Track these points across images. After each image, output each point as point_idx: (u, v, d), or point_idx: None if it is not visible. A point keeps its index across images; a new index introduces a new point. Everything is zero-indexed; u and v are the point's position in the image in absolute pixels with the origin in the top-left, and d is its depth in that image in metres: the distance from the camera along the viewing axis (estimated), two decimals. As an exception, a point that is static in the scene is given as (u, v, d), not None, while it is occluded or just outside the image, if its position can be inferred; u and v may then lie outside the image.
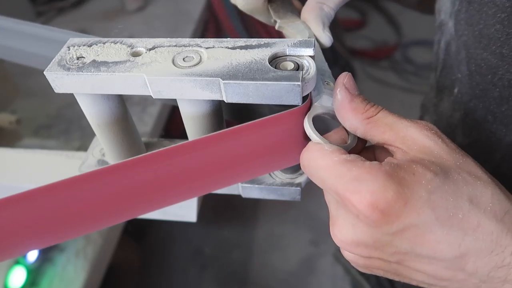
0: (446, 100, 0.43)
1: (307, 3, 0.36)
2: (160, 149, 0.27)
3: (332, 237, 0.27)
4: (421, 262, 0.25)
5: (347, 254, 0.28)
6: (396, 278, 0.27)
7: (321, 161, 0.27)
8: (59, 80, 0.29)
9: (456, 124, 0.42)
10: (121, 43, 0.30)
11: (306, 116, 0.29)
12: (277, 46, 0.28)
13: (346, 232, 0.26)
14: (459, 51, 0.39)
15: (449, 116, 0.43)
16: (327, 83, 0.31)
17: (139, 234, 1.43)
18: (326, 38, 0.34)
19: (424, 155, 0.25)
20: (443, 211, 0.23)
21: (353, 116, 0.28)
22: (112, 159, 0.37)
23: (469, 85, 0.39)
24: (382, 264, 0.26)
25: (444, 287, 0.26)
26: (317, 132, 0.28)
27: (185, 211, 0.40)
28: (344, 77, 0.29)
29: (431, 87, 0.48)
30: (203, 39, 0.30)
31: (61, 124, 0.93)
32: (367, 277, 0.62)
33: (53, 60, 0.30)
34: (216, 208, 1.60)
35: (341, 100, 0.28)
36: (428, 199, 0.23)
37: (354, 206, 0.24)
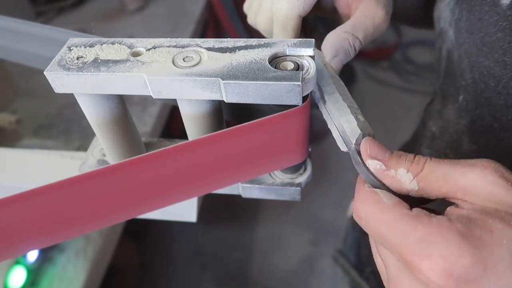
0: (451, 107, 0.43)
1: (334, 30, 0.33)
2: (160, 149, 0.27)
3: None
4: None
5: None
6: None
7: (380, 215, 0.24)
8: (59, 80, 0.29)
9: (463, 130, 0.41)
10: (121, 43, 0.30)
11: (367, 158, 0.26)
12: (277, 46, 0.28)
13: None
14: (461, 59, 0.39)
15: (456, 123, 0.42)
16: (355, 115, 0.28)
17: (139, 234, 1.43)
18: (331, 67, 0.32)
19: (496, 205, 0.22)
20: None
21: (397, 185, 0.25)
22: (112, 159, 0.37)
23: (474, 92, 0.38)
24: None
25: None
26: (373, 175, 0.26)
27: (185, 211, 0.40)
28: (366, 146, 0.26)
29: (435, 93, 0.48)
30: (203, 39, 0.30)
31: (61, 124, 0.93)
32: (366, 278, 0.62)
33: (53, 60, 0.30)
34: (216, 208, 1.60)
35: (377, 174, 0.25)
36: (511, 262, 0.20)
37: (422, 274, 0.21)
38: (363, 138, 0.27)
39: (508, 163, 0.37)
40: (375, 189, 0.25)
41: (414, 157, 0.25)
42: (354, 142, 0.27)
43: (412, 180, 0.24)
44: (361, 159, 0.26)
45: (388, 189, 0.25)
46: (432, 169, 0.24)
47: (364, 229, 0.25)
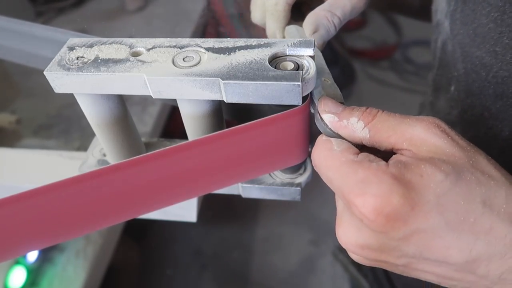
0: (443, 98, 0.44)
1: (314, 9, 0.36)
2: (160, 149, 0.27)
3: (337, 238, 0.27)
4: (429, 265, 0.24)
5: (352, 255, 0.27)
6: (404, 274, 0.27)
7: (329, 161, 0.26)
8: (59, 80, 0.29)
9: (454, 121, 0.42)
10: (121, 43, 0.30)
11: (323, 113, 0.28)
12: (277, 46, 0.28)
13: (351, 235, 0.25)
14: (455, 50, 0.40)
15: (447, 113, 0.43)
16: (324, 80, 0.31)
17: (139, 234, 1.43)
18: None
19: (435, 154, 0.24)
20: (453, 215, 0.22)
21: (350, 133, 0.27)
22: (112, 159, 0.37)
23: (465, 82, 0.39)
24: (389, 266, 0.26)
25: (453, 286, 0.25)
26: (329, 128, 0.28)
27: (185, 211, 0.40)
28: (321, 103, 0.28)
29: (428, 85, 0.48)
30: (203, 39, 0.30)
31: (61, 124, 0.93)
32: (365, 274, 0.62)
33: (53, 60, 0.30)
34: (216, 208, 1.60)
35: (331, 125, 0.28)
36: (437, 203, 0.22)
37: (358, 210, 0.23)
38: None
39: (496, 150, 0.38)
40: (329, 138, 0.28)
41: (366, 108, 0.27)
42: (316, 102, 0.29)
43: (364, 128, 0.26)
44: (320, 115, 0.28)
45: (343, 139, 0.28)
46: (383, 119, 0.26)
47: (319, 175, 0.28)
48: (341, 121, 0.27)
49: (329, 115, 0.28)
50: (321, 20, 0.35)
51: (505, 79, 0.35)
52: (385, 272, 0.53)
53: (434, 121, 0.26)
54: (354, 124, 0.27)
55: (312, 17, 0.35)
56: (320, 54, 0.34)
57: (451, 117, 0.42)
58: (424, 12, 0.51)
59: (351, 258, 0.28)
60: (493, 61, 0.35)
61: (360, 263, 0.28)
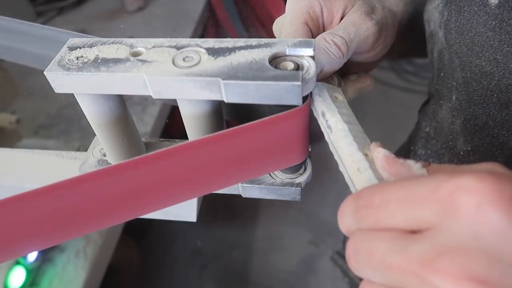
0: (445, 107, 0.43)
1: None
2: (160, 150, 0.27)
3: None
4: None
5: None
6: None
7: None
8: (59, 80, 0.29)
9: (458, 130, 0.42)
10: (121, 43, 0.30)
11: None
12: (277, 46, 0.28)
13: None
14: (452, 60, 0.40)
15: (450, 123, 0.43)
16: (335, 97, 0.29)
17: (139, 234, 1.43)
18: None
19: None
20: None
21: (405, 170, 0.23)
22: (112, 159, 0.37)
23: (466, 92, 0.39)
24: None
25: None
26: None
27: (185, 211, 0.40)
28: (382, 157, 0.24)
29: (430, 94, 0.48)
30: (203, 39, 0.30)
31: (61, 124, 0.93)
32: None
33: (53, 60, 0.30)
34: (216, 208, 1.60)
35: (385, 159, 0.24)
36: None
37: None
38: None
39: (503, 160, 0.37)
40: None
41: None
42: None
43: (421, 168, 0.23)
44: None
45: None
46: (437, 166, 0.23)
47: None
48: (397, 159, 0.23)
49: (383, 150, 0.24)
50: (319, 43, 0.32)
51: (510, 87, 0.35)
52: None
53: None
54: (411, 164, 0.23)
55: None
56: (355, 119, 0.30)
57: (455, 126, 0.42)
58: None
59: None
60: (494, 69, 0.35)
61: None
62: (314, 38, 0.35)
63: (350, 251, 0.21)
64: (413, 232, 0.19)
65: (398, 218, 0.20)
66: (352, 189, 0.26)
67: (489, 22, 0.34)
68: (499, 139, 0.37)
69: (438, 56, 0.42)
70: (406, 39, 0.44)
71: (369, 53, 0.37)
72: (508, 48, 0.33)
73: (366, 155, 0.26)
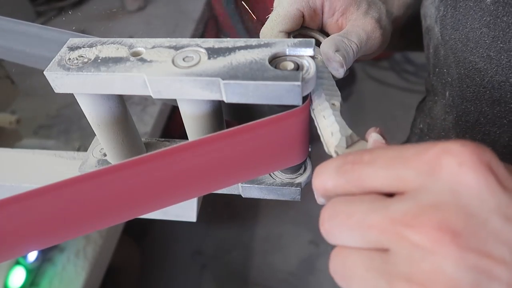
0: (439, 103, 0.44)
1: (331, 36, 0.34)
2: (160, 149, 0.27)
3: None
4: None
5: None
6: None
7: None
8: (59, 80, 0.29)
9: (450, 127, 0.42)
10: (120, 43, 0.30)
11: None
12: (277, 46, 0.28)
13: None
14: (447, 55, 0.40)
15: (443, 119, 0.43)
16: (333, 104, 0.29)
17: (139, 234, 1.43)
18: (336, 63, 0.32)
19: None
20: None
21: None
22: (112, 159, 0.37)
23: (460, 88, 0.39)
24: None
25: None
26: None
27: (185, 211, 0.40)
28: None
29: (427, 90, 0.48)
30: (203, 39, 0.30)
31: (61, 124, 0.93)
32: None
33: (53, 60, 0.30)
34: (216, 208, 1.60)
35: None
36: None
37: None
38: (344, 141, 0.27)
39: None
40: None
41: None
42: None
43: None
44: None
45: None
46: None
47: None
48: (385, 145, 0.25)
49: (377, 135, 0.25)
50: (340, 43, 0.33)
51: (502, 84, 0.35)
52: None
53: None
54: None
55: (330, 40, 0.33)
56: (330, 75, 0.32)
57: (447, 123, 0.42)
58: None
59: None
60: (487, 66, 0.35)
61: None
62: (306, 26, 0.38)
63: (326, 215, 0.22)
64: (394, 195, 0.21)
65: (382, 175, 0.21)
66: (325, 148, 0.28)
67: (484, 18, 0.34)
68: (490, 136, 0.38)
69: (434, 52, 0.42)
70: (403, 36, 0.45)
71: (366, 56, 0.39)
72: (501, 45, 0.33)
73: (333, 104, 0.29)
